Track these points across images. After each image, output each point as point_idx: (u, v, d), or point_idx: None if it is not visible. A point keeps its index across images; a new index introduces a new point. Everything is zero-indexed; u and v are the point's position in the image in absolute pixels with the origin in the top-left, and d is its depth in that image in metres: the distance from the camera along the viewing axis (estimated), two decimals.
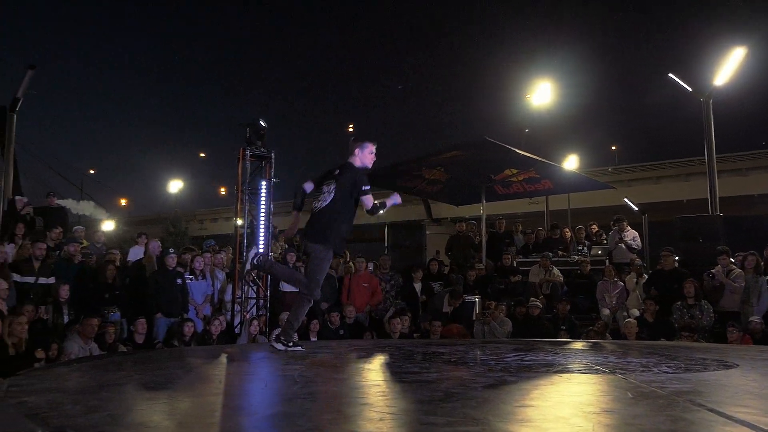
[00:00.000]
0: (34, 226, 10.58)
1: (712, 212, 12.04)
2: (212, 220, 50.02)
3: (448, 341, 7.47)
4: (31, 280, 8.02)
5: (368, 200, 5.19)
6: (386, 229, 13.61)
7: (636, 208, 16.49)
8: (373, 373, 4.43)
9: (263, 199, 9.51)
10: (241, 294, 9.30)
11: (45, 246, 8.42)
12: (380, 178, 14.95)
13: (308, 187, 5.46)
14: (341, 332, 9.04)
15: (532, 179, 12.38)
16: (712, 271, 9.11)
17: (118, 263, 9.11)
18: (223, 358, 5.25)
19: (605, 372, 3.95)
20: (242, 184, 9.52)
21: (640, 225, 13.59)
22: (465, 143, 12.16)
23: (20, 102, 12.29)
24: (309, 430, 2.44)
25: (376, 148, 5.45)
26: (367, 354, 5.55)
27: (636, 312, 9.29)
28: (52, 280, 8.12)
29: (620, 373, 3.83)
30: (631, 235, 11.55)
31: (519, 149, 12.00)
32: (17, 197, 11.63)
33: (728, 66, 12.49)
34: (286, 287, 9.78)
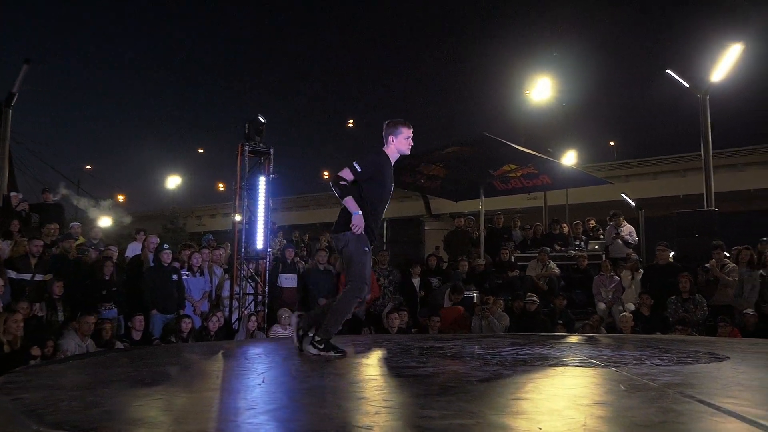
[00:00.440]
0: (30, 223, 10.60)
1: (707, 207, 12.09)
2: (210, 216, 50.04)
3: (446, 336, 7.51)
4: (27, 276, 8.04)
5: (345, 172, 4.74)
6: (385, 225, 13.65)
7: (633, 204, 16.57)
8: (371, 367, 4.48)
9: (262, 194, 9.54)
10: (239, 290, 9.33)
11: (41, 243, 8.44)
12: None
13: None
14: (339, 328, 9.07)
15: (530, 175, 12.41)
16: (707, 265, 9.17)
17: (115, 259, 9.14)
18: (221, 354, 5.29)
19: (599, 365, 4.00)
20: (241, 180, 9.55)
21: (636, 220, 13.66)
22: (464, 139, 12.19)
23: (15, 97, 12.27)
24: (306, 424, 2.49)
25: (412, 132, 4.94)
26: (365, 349, 5.59)
27: (631, 306, 9.34)
28: (48, 276, 8.14)
29: (614, 366, 3.87)
30: (627, 230, 11.62)
31: (518, 145, 12.05)
32: (12, 193, 11.65)
33: (725, 62, 12.51)
34: (285, 282, 9.83)
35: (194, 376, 4.15)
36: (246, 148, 9.45)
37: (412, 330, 9.19)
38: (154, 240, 9.79)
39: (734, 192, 34.34)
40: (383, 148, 4.90)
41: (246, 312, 9.12)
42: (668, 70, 13.14)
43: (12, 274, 7.91)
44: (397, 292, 10.37)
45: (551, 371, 3.87)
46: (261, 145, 9.56)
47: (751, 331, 8.01)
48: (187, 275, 9.19)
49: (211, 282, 9.60)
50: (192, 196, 55.11)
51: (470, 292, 10.09)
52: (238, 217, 9.61)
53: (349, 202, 4.73)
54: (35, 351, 6.44)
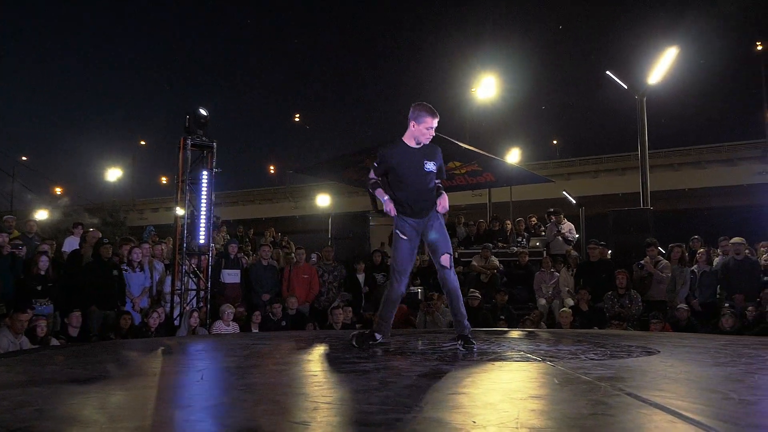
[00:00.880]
0: None
1: (643, 206, 12.52)
2: (153, 210, 48.99)
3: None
4: None
5: (370, 172, 4.77)
6: (330, 220, 13.62)
7: (574, 201, 17.00)
8: (312, 363, 4.47)
9: (204, 189, 9.40)
10: (181, 285, 9.17)
11: None
12: (326, 170, 14.98)
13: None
14: (283, 323, 9.04)
15: (474, 172, 12.59)
16: (641, 262, 9.51)
17: (51, 254, 8.85)
18: (160, 351, 5.19)
19: (536, 360, 4.10)
20: (183, 174, 9.38)
21: (577, 217, 14.02)
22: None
23: None
24: (243, 421, 2.47)
25: (437, 123, 4.68)
26: (307, 345, 5.58)
27: (571, 301, 9.61)
28: None
29: (550, 361, 3.98)
30: (567, 227, 11.94)
31: (463, 142, 12.20)
32: None
33: (661, 65, 12.98)
34: (228, 278, 9.71)
35: (131, 373, 4.06)
36: (188, 141, 9.28)
37: (357, 326, 9.21)
38: (96, 234, 9.52)
39: (670, 191, 35.72)
40: (402, 137, 4.75)
41: (188, 308, 8.97)
42: (608, 72, 13.55)
43: None
44: (342, 287, 10.38)
45: (489, 366, 3.95)
46: (204, 138, 9.41)
47: (683, 325, 8.36)
48: (127, 270, 8.98)
49: (151, 277, 9.40)
50: (134, 189, 53.84)
51: (415, 288, 10.18)
52: (180, 212, 9.43)
53: (378, 193, 4.76)
54: None
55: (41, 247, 8.94)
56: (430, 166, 4.71)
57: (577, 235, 12.39)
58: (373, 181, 4.78)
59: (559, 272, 10.30)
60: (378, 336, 4.92)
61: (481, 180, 12.98)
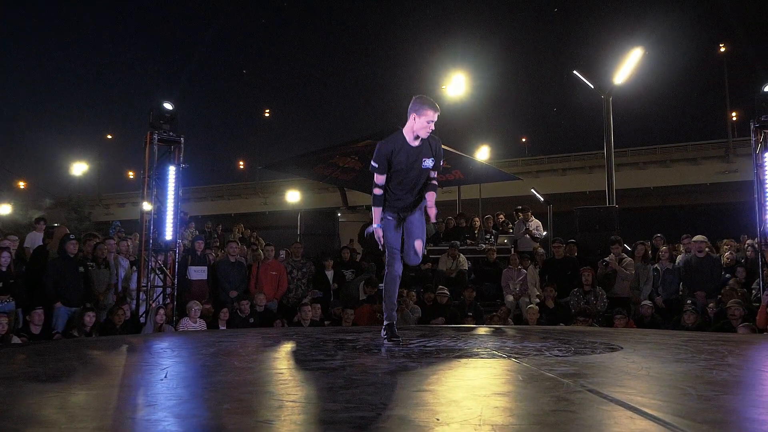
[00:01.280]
0: None
1: (609, 204, 12.73)
2: (119, 205, 48.24)
3: (358, 328, 7.56)
4: None
5: (374, 175, 4.71)
6: (299, 217, 13.57)
7: (542, 199, 17.18)
8: (278, 361, 4.45)
9: (171, 184, 9.28)
10: (147, 282, 9.04)
11: None
12: (296, 166, 14.91)
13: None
14: (251, 320, 8.98)
15: (443, 169, 12.63)
16: (606, 259, 9.66)
17: (14, 250, 8.64)
18: (124, 349, 5.12)
19: (502, 356, 4.14)
20: (150, 169, 9.25)
21: (545, 215, 14.20)
22: (379, 133, 12.26)
23: None
24: (206, 420, 2.45)
25: (437, 117, 4.64)
26: (274, 342, 5.55)
27: (537, 299, 9.72)
28: None
29: (515, 358, 4.02)
30: (534, 224, 12.07)
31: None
32: None
33: (627, 65, 13.20)
34: (194, 275, 9.60)
35: (94, 371, 3.99)
36: (155, 136, 9.15)
37: (325, 323, 9.19)
38: (63, 230, 9.33)
39: (635, 189, 36.35)
40: (402, 130, 4.72)
41: (154, 305, 8.85)
42: (575, 71, 13.72)
43: None
44: (311, 284, 10.35)
45: (455, 363, 3.98)
46: (171, 133, 9.28)
47: (647, 322, 8.52)
48: (92, 266, 8.83)
49: (117, 274, 9.25)
50: (100, 183, 52.95)
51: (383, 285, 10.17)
52: (146, 207, 9.29)
53: (375, 212, 4.84)
54: None
55: (3, 243, 8.72)
56: (428, 162, 4.74)
57: (544, 233, 12.54)
58: (379, 194, 4.79)
59: (526, 269, 10.41)
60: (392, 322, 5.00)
61: (451, 177, 13.05)
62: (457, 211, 18.37)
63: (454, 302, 9.79)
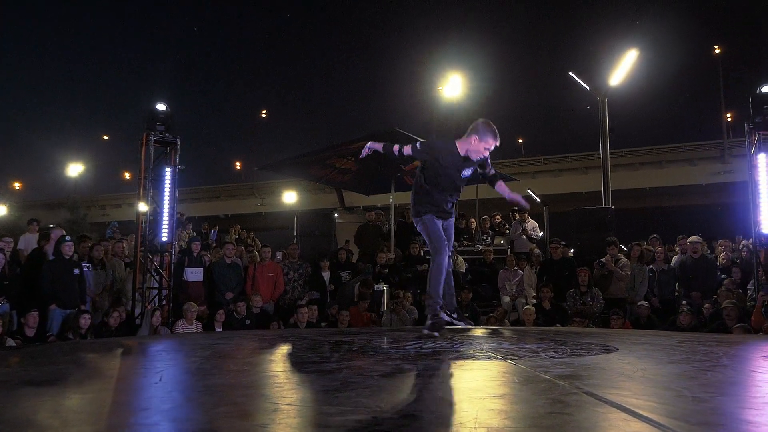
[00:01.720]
0: None
1: (605, 205, 12.75)
2: (115, 206, 48.10)
3: (354, 330, 7.55)
4: None
5: (407, 147, 4.92)
6: (295, 218, 13.56)
7: (538, 200, 17.15)
8: (274, 363, 4.44)
9: (167, 185, 9.27)
10: (143, 284, 9.02)
11: None
12: (292, 167, 14.89)
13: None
14: (247, 322, 8.97)
15: None
16: (602, 260, 9.67)
17: (8, 251, 8.61)
18: (119, 352, 5.10)
19: (498, 358, 4.13)
20: (145, 171, 9.24)
21: (542, 216, 14.20)
22: (375, 134, 12.26)
23: None
24: (200, 424, 2.44)
25: (494, 147, 4.87)
26: (270, 344, 5.54)
27: (534, 299, 9.73)
28: None
29: (511, 359, 4.01)
30: (531, 225, 12.09)
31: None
32: None
33: (622, 67, 13.22)
34: (191, 276, 9.58)
35: (88, 375, 3.98)
36: (151, 137, 9.14)
37: (322, 324, 9.18)
38: (59, 232, 9.30)
39: (631, 190, 36.39)
40: (458, 139, 4.86)
41: (150, 307, 8.84)
42: (571, 73, 13.74)
43: None
44: (307, 285, 10.34)
45: (452, 365, 3.97)
46: (167, 135, 9.27)
47: (643, 323, 8.53)
48: (88, 268, 8.80)
49: (113, 275, 9.23)
50: (97, 184, 52.86)
51: (380, 286, 10.18)
52: (142, 209, 9.27)
53: (376, 144, 5.02)
54: None
55: None
56: (467, 172, 4.97)
57: (541, 233, 12.55)
58: (396, 147, 4.93)
59: (522, 270, 10.41)
60: (440, 315, 5.19)
61: None
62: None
63: None
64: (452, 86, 25.66)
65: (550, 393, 2.89)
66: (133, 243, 9.88)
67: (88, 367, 4.33)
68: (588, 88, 13.59)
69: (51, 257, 8.63)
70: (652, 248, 9.90)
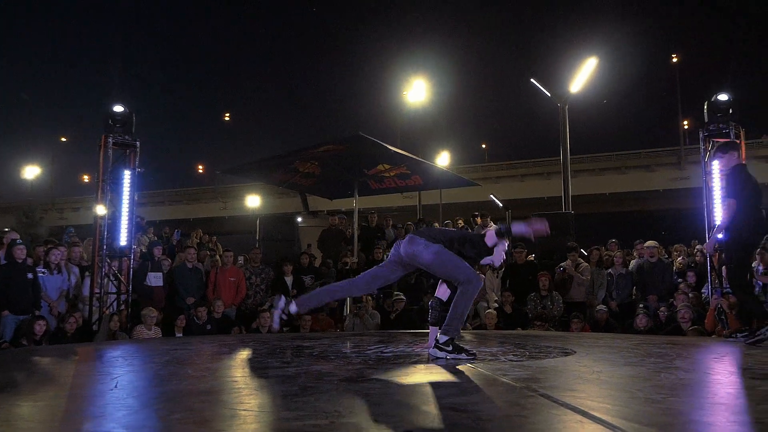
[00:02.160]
0: None
1: (565, 210, 12.96)
2: (73, 210, 47.12)
3: (316, 335, 7.53)
4: None
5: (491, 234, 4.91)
6: (257, 222, 13.45)
7: (501, 204, 17.41)
8: (234, 369, 4.40)
9: (126, 189, 9.10)
10: (100, 289, 8.84)
11: None
12: (255, 171, 14.77)
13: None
14: (209, 327, 8.84)
15: (403, 175, 12.69)
16: (563, 265, 9.82)
17: None
18: (75, 358, 5.00)
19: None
20: (104, 173, 9.06)
21: (504, 220, 14.38)
22: (339, 138, 12.26)
23: None
24: (156, 431, 2.41)
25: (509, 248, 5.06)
26: (231, 350, 5.49)
27: (496, 303, 9.81)
28: None
29: (471, 363, 4.06)
30: None
31: (392, 146, 12.28)
32: None
33: (582, 74, 13.47)
34: (153, 281, 9.41)
35: (41, 382, 3.89)
36: (110, 139, 8.97)
37: (284, 329, 9.11)
38: (12, 236, 9.05)
39: (593, 195, 37.10)
40: (489, 241, 4.86)
41: (108, 312, 8.65)
42: (532, 80, 13.95)
43: None
44: (270, 290, 10.25)
45: (412, 368, 4.00)
46: (126, 137, 9.11)
47: (602, 326, 8.69)
48: (44, 273, 8.58)
49: (69, 280, 9.02)
50: (54, 187, 51.66)
51: None
52: (100, 212, 9.08)
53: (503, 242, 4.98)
54: None
55: None
56: (488, 260, 5.01)
57: None
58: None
59: (484, 274, 10.49)
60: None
61: (410, 183, 13.11)
62: (418, 216, 18.53)
63: (413, 308, 9.82)
64: (416, 91, 25.81)
65: (507, 396, 2.93)
66: (90, 247, 9.67)
67: (41, 374, 4.24)
68: (549, 94, 13.81)
69: (2, 261, 8.39)
70: (611, 252, 10.08)
